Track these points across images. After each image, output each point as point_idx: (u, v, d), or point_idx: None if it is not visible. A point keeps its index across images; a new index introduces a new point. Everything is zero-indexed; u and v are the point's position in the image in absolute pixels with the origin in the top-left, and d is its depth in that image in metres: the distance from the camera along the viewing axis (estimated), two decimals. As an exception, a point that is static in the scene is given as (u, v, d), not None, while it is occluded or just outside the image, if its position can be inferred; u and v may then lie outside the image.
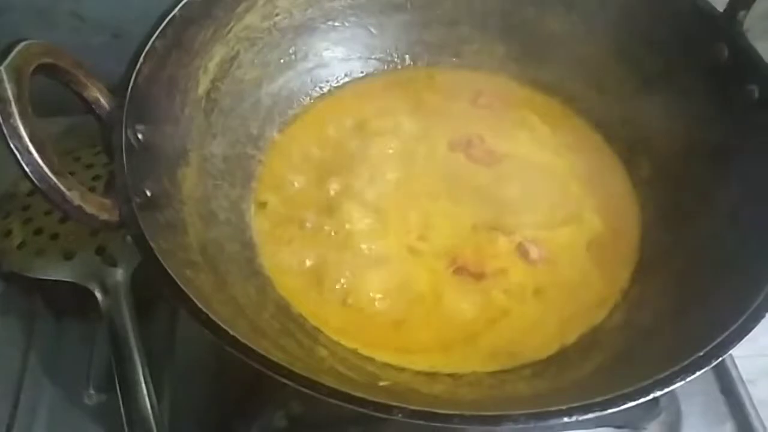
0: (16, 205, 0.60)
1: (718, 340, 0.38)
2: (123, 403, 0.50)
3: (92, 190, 0.57)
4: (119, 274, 0.55)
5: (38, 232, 0.58)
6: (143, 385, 0.51)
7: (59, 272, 0.55)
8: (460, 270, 0.52)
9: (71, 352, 0.56)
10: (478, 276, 0.52)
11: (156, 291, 0.56)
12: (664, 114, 0.56)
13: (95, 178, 0.60)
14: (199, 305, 0.38)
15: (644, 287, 0.51)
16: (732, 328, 0.38)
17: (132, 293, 0.55)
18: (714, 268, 0.48)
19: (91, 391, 0.54)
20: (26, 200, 0.60)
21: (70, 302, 0.58)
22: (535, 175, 0.57)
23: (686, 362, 0.37)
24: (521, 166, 0.58)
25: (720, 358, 0.38)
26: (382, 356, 0.48)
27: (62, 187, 0.38)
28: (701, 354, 0.38)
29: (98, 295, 0.54)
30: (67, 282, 0.55)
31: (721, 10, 0.53)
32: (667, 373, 0.37)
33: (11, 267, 0.56)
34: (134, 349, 0.52)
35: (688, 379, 0.37)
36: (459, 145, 0.59)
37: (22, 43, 0.39)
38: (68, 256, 0.56)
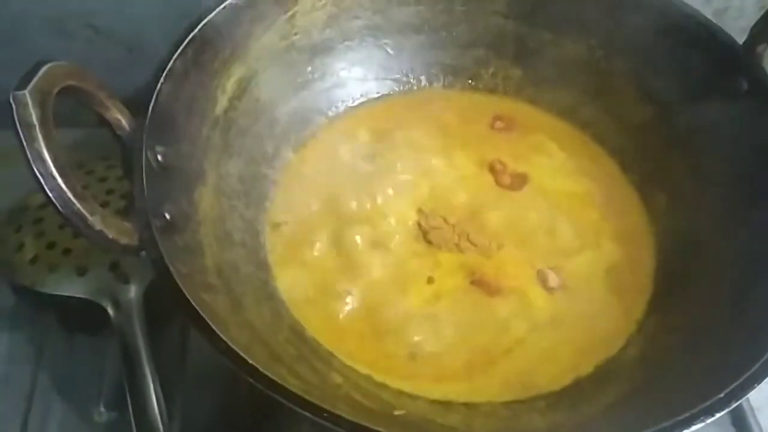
0: (28, 218, 0.60)
1: (739, 381, 0.38)
2: (134, 420, 0.50)
3: (106, 204, 0.58)
4: (132, 291, 0.55)
5: (51, 246, 0.58)
6: (154, 401, 0.51)
7: (72, 288, 0.55)
8: (477, 282, 0.52)
9: (82, 369, 0.56)
10: (494, 291, 0.52)
11: (168, 309, 0.57)
12: (681, 144, 0.56)
13: (109, 192, 0.60)
14: (219, 333, 0.38)
15: (660, 319, 0.51)
16: (753, 369, 0.38)
17: (144, 310, 0.54)
18: (731, 302, 0.48)
19: (102, 409, 0.54)
20: (38, 213, 0.60)
21: (82, 318, 0.57)
22: (554, 201, 0.57)
23: (706, 404, 0.37)
24: (540, 192, 0.58)
25: (740, 400, 0.38)
26: (395, 383, 0.48)
27: (85, 213, 0.38)
28: (721, 396, 0.38)
29: (110, 311, 0.54)
30: (79, 298, 0.55)
31: (741, 42, 0.53)
32: (686, 414, 0.37)
33: (23, 281, 0.56)
34: (146, 366, 0.52)
35: (708, 421, 0.37)
36: (483, 169, 0.59)
37: (47, 65, 0.39)
38: (81, 271, 0.56)
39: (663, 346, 0.48)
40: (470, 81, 0.65)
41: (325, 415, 0.35)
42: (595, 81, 0.61)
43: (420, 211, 0.56)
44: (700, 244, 0.53)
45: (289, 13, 0.58)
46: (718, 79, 0.54)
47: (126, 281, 0.55)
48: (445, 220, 0.55)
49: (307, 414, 0.36)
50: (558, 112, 0.63)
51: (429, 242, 0.55)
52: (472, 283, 0.52)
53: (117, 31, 0.66)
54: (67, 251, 0.57)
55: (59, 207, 0.37)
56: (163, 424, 0.50)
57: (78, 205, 0.37)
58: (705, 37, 0.55)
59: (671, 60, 0.57)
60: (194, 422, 0.53)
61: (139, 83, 0.58)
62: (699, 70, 0.55)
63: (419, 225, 0.56)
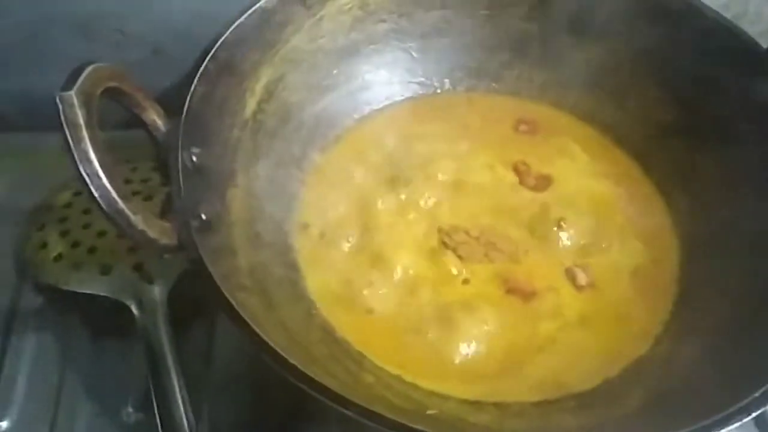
0: (52, 216, 0.60)
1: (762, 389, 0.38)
2: (160, 421, 0.50)
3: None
4: (156, 291, 0.55)
5: (75, 245, 0.58)
6: (180, 402, 0.51)
7: (96, 286, 0.56)
8: (512, 290, 0.53)
9: (110, 370, 0.56)
10: (529, 295, 0.52)
11: (194, 311, 0.57)
12: (702, 148, 0.57)
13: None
14: (260, 333, 0.38)
15: (686, 320, 0.51)
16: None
17: (169, 311, 0.55)
18: (756, 306, 0.48)
19: (130, 410, 0.54)
20: (63, 212, 0.60)
21: (107, 319, 0.57)
22: (580, 202, 0.58)
23: (731, 410, 0.38)
24: (566, 193, 0.58)
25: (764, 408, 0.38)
26: (425, 384, 0.49)
27: (128, 212, 0.38)
28: (756, 395, 0.38)
29: (134, 310, 0.54)
30: (104, 297, 0.55)
31: (766, 47, 0.54)
32: (715, 418, 0.37)
33: (47, 279, 0.57)
34: (171, 366, 0.52)
35: (745, 420, 0.37)
36: (507, 170, 0.60)
37: (90, 67, 0.40)
38: (105, 270, 0.56)
39: (691, 346, 0.49)
40: (494, 84, 0.65)
41: (366, 413, 0.36)
42: (618, 84, 0.61)
43: (440, 229, 0.56)
44: (724, 245, 0.54)
45: (317, 17, 0.58)
46: (741, 82, 0.55)
47: (150, 281, 0.56)
48: (467, 233, 0.56)
49: (350, 413, 0.36)
50: (581, 114, 0.63)
51: (459, 257, 0.55)
52: (508, 291, 0.53)
53: (143, 34, 0.66)
54: (92, 250, 0.58)
55: (104, 206, 0.38)
56: (188, 424, 0.50)
57: (122, 204, 0.38)
58: (730, 41, 0.55)
59: (694, 63, 0.57)
60: (221, 423, 0.53)
61: (164, 86, 0.59)
62: (722, 73, 0.56)
63: (444, 244, 0.56)
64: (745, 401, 0.38)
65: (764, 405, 0.38)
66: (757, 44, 0.55)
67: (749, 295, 0.49)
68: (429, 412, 0.45)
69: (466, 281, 0.54)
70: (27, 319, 0.58)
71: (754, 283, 0.50)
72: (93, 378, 0.56)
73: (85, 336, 0.58)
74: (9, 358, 0.56)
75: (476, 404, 0.48)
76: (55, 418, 0.54)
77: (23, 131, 0.68)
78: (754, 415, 0.37)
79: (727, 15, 0.66)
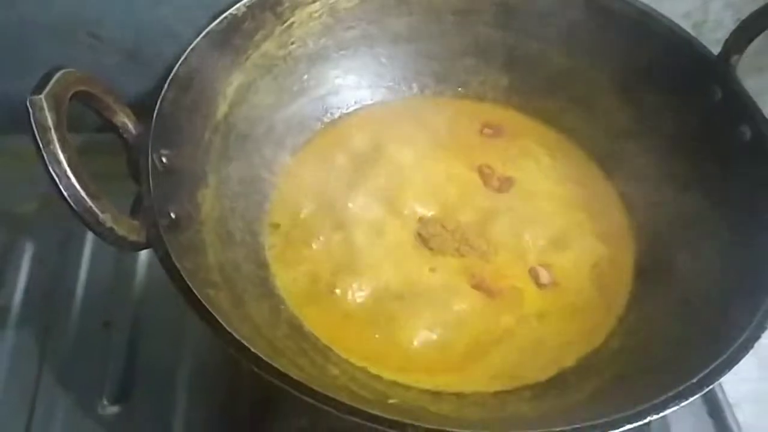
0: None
1: (709, 368, 0.41)
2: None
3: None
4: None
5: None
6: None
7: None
8: (477, 286, 0.55)
9: (86, 363, 0.57)
10: (495, 293, 0.54)
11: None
12: (659, 151, 0.59)
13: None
14: (224, 325, 0.40)
15: (639, 314, 0.53)
16: (722, 358, 0.41)
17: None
18: (704, 300, 0.50)
19: (105, 402, 0.56)
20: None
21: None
22: (542, 203, 0.60)
23: (680, 388, 0.40)
24: (528, 194, 0.60)
25: (711, 386, 0.40)
26: (389, 375, 0.50)
27: (97, 210, 0.40)
28: (694, 381, 0.40)
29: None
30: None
31: (716, 53, 0.56)
32: (662, 398, 0.40)
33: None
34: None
35: (682, 404, 0.40)
36: (472, 172, 0.62)
37: (60, 72, 0.41)
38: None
39: (641, 339, 0.51)
40: (460, 89, 0.67)
41: (326, 400, 0.38)
42: (579, 89, 0.64)
43: (420, 219, 0.58)
44: (676, 246, 0.56)
45: (287, 24, 0.60)
46: (694, 88, 0.57)
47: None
48: (443, 226, 0.58)
49: (312, 401, 0.38)
50: (545, 118, 0.65)
51: (430, 249, 0.57)
52: (473, 287, 0.55)
53: (118, 39, 0.67)
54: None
55: (72, 205, 0.39)
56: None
57: (90, 202, 0.39)
58: (683, 48, 0.58)
59: (651, 70, 0.60)
60: (196, 420, 0.55)
61: (139, 89, 0.60)
62: (677, 80, 0.58)
63: (419, 234, 0.58)
64: (682, 387, 0.40)
65: (699, 391, 0.40)
66: (709, 51, 0.57)
67: (697, 292, 0.52)
68: (390, 401, 0.47)
69: (432, 270, 0.55)
70: (5, 313, 0.60)
71: (702, 282, 0.52)
72: (70, 371, 0.57)
73: (63, 329, 0.59)
74: (-14, 353, 0.58)
75: (437, 394, 0.49)
76: (32, 410, 0.55)
77: (1, 134, 0.70)
78: (690, 399, 0.40)
79: (689, 22, 0.69)
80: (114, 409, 0.56)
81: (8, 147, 0.69)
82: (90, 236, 0.64)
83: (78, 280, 0.62)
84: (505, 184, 0.61)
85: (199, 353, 0.59)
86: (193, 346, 0.59)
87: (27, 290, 0.61)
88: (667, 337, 0.50)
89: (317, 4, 0.61)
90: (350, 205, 0.59)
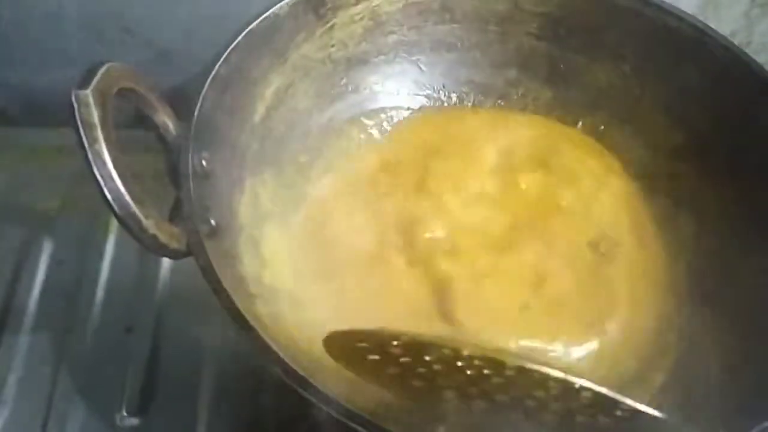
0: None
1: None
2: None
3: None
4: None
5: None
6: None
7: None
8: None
9: (104, 373, 0.55)
10: None
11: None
12: (711, 174, 0.57)
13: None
14: (269, 343, 0.38)
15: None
16: None
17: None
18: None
19: (124, 413, 0.53)
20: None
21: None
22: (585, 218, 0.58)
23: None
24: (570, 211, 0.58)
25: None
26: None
27: (140, 216, 0.37)
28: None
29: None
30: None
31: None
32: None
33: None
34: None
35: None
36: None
37: (105, 66, 0.39)
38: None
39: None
40: (500, 101, 0.65)
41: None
42: (625, 106, 0.62)
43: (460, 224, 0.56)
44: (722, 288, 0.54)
45: (328, 25, 0.58)
46: (749, 110, 0.55)
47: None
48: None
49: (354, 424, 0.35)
50: (587, 134, 0.63)
51: None
52: None
53: (149, 35, 0.66)
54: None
55: (116, 209, 0.37)
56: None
57: (134, 207, 0.37)
58: (738, 67, 0.56)
59: (704, 89, 0.57)
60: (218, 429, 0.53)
61: (169, 88, 0.58)
62: (730, 100, 0.56)
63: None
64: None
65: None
66: (765, 72, 0.55)
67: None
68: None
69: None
70: (21, 318, 0.57)
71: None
72: (87, 380, 0.55)
73: (81, 336, 0.57)
74: (1, 357, 0.55)
75: None
76: (46, 421, 0.53)
77: (24, 127, 0.68)
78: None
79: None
80: (133, 421, 0.53)
81: (26, 141, 0.68)
82: (112, 237, 0.62)
83: (98, 283, 0.59)
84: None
85: (222, 363, 0.56)
86: (216, 355, 0.57)
87: (44, 292, 0.59)
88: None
89: (359, 6, 0.59)
90: (385, 215, 0.56)
